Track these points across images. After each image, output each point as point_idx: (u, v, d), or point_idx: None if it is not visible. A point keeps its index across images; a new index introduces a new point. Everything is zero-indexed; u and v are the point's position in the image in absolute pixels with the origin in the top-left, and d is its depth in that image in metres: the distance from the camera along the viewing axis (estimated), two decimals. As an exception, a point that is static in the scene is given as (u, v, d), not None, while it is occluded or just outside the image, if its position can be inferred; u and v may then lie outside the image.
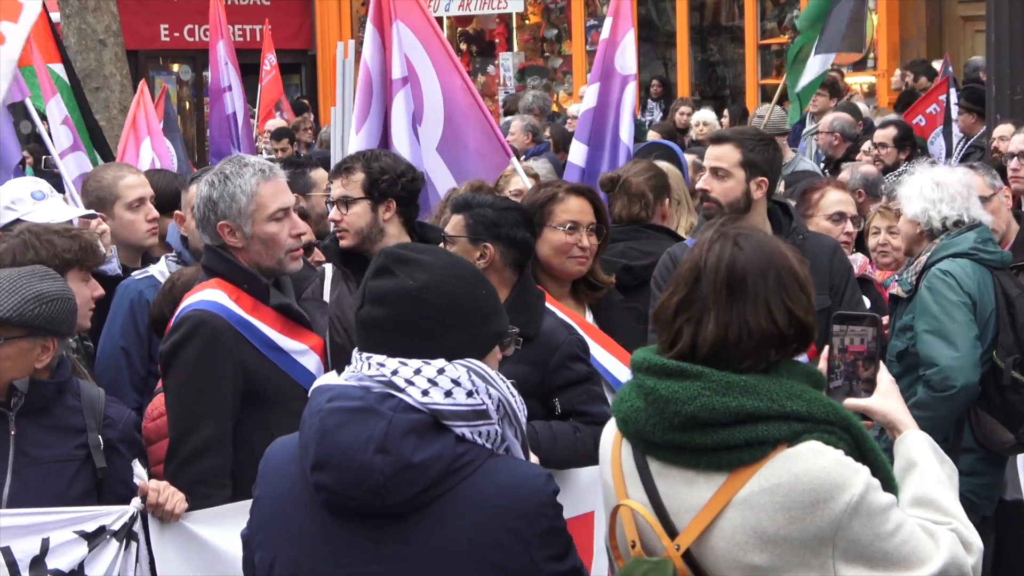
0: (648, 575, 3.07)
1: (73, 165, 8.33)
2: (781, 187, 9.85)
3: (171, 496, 4.47)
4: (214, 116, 11.91)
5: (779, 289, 3.11)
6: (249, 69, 22.35)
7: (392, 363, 3.07)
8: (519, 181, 7.49)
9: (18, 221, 5.77)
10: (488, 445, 3.07)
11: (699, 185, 5.98)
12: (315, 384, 3.23)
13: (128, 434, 4.53)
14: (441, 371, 3.05)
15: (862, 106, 14.43)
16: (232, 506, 4.57)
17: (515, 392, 3.15)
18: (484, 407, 3.06)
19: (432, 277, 3.12)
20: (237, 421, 4.70)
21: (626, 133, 8.59)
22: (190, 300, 4.83)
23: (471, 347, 3.13)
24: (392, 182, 5.56)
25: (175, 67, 25.17)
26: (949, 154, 11.87)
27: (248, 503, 4.44)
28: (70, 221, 5.74)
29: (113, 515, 4.39)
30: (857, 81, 18.93)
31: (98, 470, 4.39)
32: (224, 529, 4.52)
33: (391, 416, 3.01)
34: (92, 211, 6.30)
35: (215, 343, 4.67)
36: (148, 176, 6.81)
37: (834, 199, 6.48)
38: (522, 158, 10.01)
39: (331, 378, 3.21)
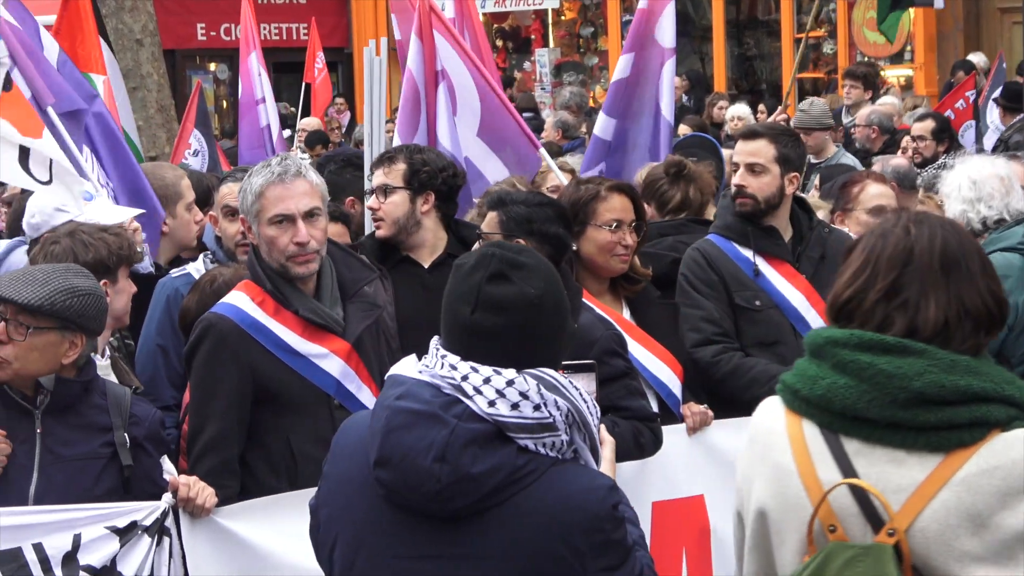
0: (856, 561, 2.97)
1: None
2: (817, 182, 9.81)
3: (201, 491, 4.48)
4: (245, 128, 11.79)
5: (983, 270, 3.09)
6: (286, 67, 22.53)
7: (464, 367, 3.03)
8: (555, 177, 7.47)
9: (69, 223, 5.77)
10: (552, 454, 3.03)
11: (735, 181, 5.93)
12: (391, 371, 3.19)
13: (154, 432, 4.54)
14: (511, 383, 3.00)
15: (894, 100, 14.34)
16: (263, 500, 4.61)
17: (587, 398, 3.10)
18: (550, 420, 3.01)
19: (546, 284, 3.09)
20: (252, 422, 4.72)
21: (667, 107, 8.12)
22: (218, 302, 4.88)
23: (555, 355, 3.11)
24: (432, 174, 5.62)
25: (212, 66, 25.24)
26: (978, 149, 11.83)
27: (279, 497, 4.56)
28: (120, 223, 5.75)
29: (144, 510, 4.41)
30: (894, 74, 18.81)
31: (124, 468, 4.41)
32: (255, 523, 4.57)
33: (454, 425, 2.98)
34: (140, 211, 6.29)
35: (221, 346, 4.70)
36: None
37: (874, 192, 6.42)
38: (564, 156, 9.94)
39: (407, 365, 3.16)
